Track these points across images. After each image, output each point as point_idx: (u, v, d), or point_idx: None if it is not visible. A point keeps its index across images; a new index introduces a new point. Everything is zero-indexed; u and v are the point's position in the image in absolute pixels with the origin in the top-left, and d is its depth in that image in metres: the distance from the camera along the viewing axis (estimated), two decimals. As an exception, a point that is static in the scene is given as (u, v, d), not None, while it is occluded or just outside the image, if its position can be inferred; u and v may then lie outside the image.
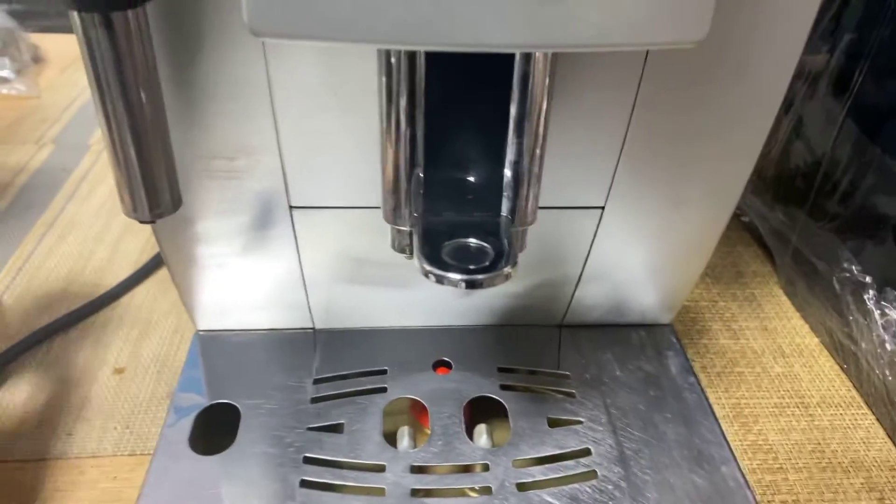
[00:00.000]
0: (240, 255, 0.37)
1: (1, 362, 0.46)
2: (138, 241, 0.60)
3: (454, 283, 0.26)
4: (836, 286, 0.49)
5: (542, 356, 0.43)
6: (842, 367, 0.50)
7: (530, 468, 0.36)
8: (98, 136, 0.74)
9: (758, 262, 0.60)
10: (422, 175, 0.29)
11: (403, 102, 0.26)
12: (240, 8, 0.20)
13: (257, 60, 0.29)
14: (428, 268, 0.26)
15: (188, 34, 0.28)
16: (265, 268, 0.38)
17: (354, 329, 0.44)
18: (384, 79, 0.26)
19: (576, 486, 0.35)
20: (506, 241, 0.27)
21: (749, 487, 0.36)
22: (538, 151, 0.28)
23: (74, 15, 0.24)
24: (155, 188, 0.28)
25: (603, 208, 0.36)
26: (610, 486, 0.35)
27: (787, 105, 0.56)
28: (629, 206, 0.36)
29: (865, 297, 0.47)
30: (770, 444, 0.44)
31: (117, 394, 0.46)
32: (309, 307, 0.42)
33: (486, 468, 0.36)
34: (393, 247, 0.31)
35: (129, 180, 0.27)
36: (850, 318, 0.48)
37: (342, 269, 0.39)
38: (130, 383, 0.47)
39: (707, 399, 0.41)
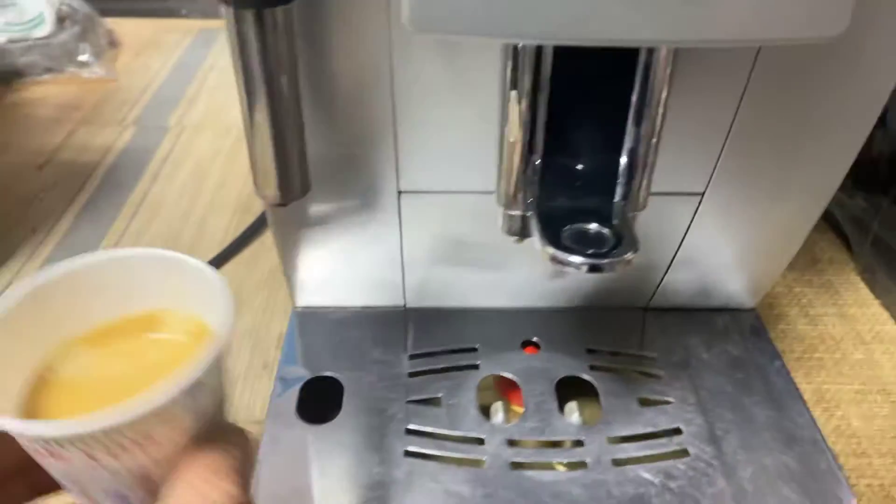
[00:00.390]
0: (345, 237, 0.39)
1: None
2: (222, 221, 0.62)
3: (577, 267, 0.27)
4: (921, 274, 0.49)
5: (629, 338, 0.44)
6: (924, 355, 0.50)
7: (624, 444, 0.38)
8: (176, 118, 0.77)
9: (833, 248, 0.60)
10: (539, 162, 0.30)
11: (527, 91, 0.27)
12: (398, 5, 0.22)
13: (383, 54, 0.30)
14: (552, 251, 0.27)
15: (322, 28, 0.29)
16: (367, 249, 0.40)
17: (444, 308, 0.45)
18: (509, 70, 0.27)
19: (669, 462, 0.37)
20: (624, 227, 0.28)
21: (841, 469, 0.37)
22: (654, 140, 0.28)
23: (226, 9, 0.25)
24: (288, 175, 0.29)
25: (703, 195, 0.37)
26: (702, 465, 0.36)
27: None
28: (728, 194, 0.37)
29: (953, 285, 0.46)
30: (853, 430, 0.45)
31: (216, 366, 0.48)
32: (404, 287, 0.43)
33: (580, 444, 0.38)
34: (504, 230, 0.32)
35: (266, 166, 0.29)
36: (936, 306, 0.48)
37: (440, 251, 0.40)
38: (227, 356, 0.49)
39: (794, 382, 0.42)
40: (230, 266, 0.57)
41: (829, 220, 0.62)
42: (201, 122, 0.76)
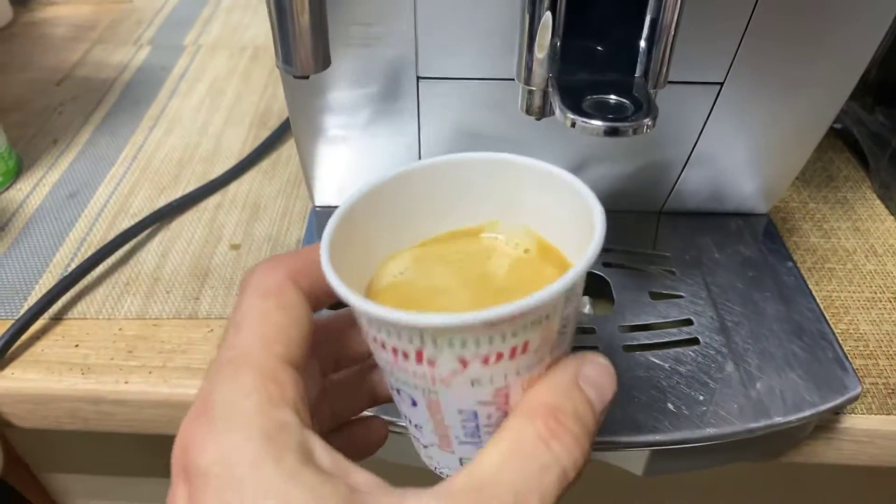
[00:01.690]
0: (363, 127, 0.39)
1: (128, 235, 0.50)
2: (239, 134, 0.62)
3: (596, 131, 0.27)
4: (938, 185, 0.49)
5: (643, 239, 0.44)
6: (937, 267, 0.50)
7: (635, 333, 0.38)
8: (192, 38, 0.77)
9: (850, 167, 0.60)
10: (559, 36, 0.30)
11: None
12: None
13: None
14: (571, 116, 0.28)
15: None
16: (386, 140, 0.40)
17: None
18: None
19: (679, 350, 0.37)
20: (645, 97, 0.28)
21: (848, 359, 0.37)
22: (678, 5, 0.28)
23: None
24: (309, 45, 0.29)
25: (722, 84, 0.37)
26: (712, 352, 0.37)
27: (895, 4, 0.55)
28: (748, 83, 0.36)
29: (970, 193, 0.46)
30: (861, 333, 0.45)
31: (235, 265, 0.49)
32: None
33: (592, 331, 0.39)
34: (522, 108, 0.32)
35: (287, 35, 0.29)
36: (951, 216, 0.48)
37: (460, 144, 0.40)
38: (247, 257, 0.50)
39: (806, 282, 0.42)
40: (248, 175, 0.58)
41: (846, 140, 0.62)
42: (217, 41, 0.76)
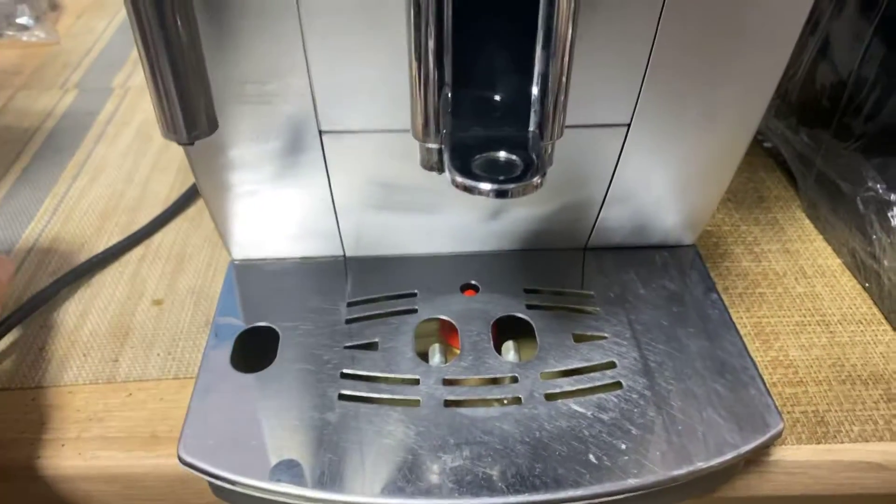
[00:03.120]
0: (272, 182, 0.38)
1: (45, 296, 0.48)
2: (166, 181, 0.61)
3: (484, 193, 0.27)
4: (860, 206, 0.50)
5: (567, 277, 0.44)
6: (863, 286, 0.50)
7: (557, 380, 0.38)
8: (120, 80, 0.75)
9: (780, 186, 0.60)
10: (450, 93, 0.29)
11: (432, 19, 0.27)
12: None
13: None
14: (459, 179, 0.27)
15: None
16: (297, 195, 0.39)
17: (384, 256, 0.45)
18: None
19: (602, 395, 0.37)
20: (534, 154, 0.28)
21: (770, 395, 0.37)
22: (566, 60, 0.28)
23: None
24: (191, 110, 0.28)
25: (629, 125, 0.36)
26: (635, 396, 0.37)
27: (813, 25, 0.55)
28: (655, 122, 0.36)
29: (889, 214, 0.47)
30: (791, 360, 0.45)
31: (158, 323, 0.48)
32: (340, 235, 0.43)
33: (514, 380, 0.38)
34: (422, 164, 0.32)
35: (167, 102, 0.28)
36: (874, 236, 0.48)
37: (372, 195, 0.39)
38: (169, 313, 0.49)
39: (730, 315, 0.42)
40: (174, 224, 0.56)
41: (776, 159, 0.63)
42: (145, 83, 0.74)
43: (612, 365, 0.39)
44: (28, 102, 0.72)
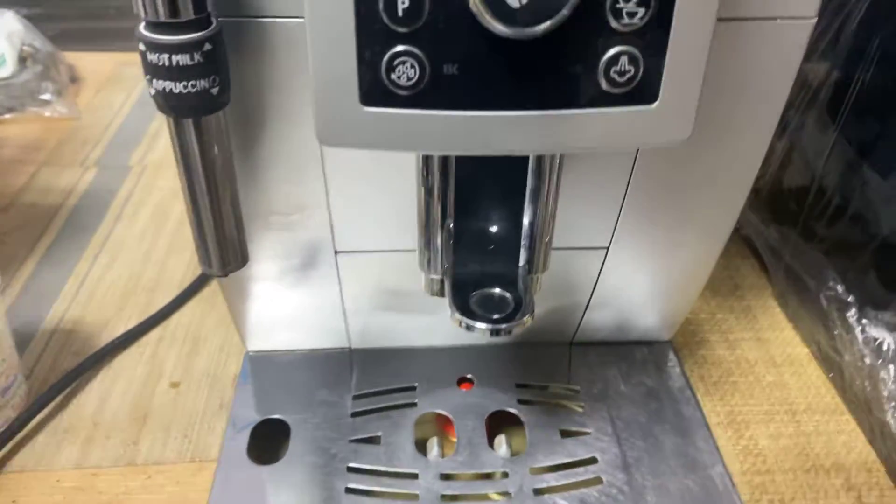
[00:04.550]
0: (289, 291, 0.43)
1: (68, 380, 0.52)
2: (182, 261, 0.65)
3: (481, 332, 0.31)
4: (823, 302, 0.54)
5: (555, 372, 0.48)
6: (827, 376, 0.55)
7: (545, 475, 0.42)
8: (138, 156, 0.80)
9: (754, 274, 0.65)
10: (451, 234, 0.34)
11: (437, 180, 0.31)
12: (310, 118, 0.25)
13: (312, 137, 0.34)
14: (459, 317, 0.31)
15: (256, 117, 0.33)
16: (311, 301, 0.44)
17: (387, 348, 0.49)
18: (420, 162, 0.31)
19: (584, 490, 0.41)
20: (524, 292, 0.32)
21: (736, 491, 0.41)
22: (549, 215, 0.32)
23: (166, 116, 0.29)
24: (227, 249, 0.33)
25: (608, 249, 0.41)
26: (614, 491, 0.41)
27: (782, 129, 0.61)
28: (632, 244, 0.41)
29: (848, 314, 0.51)
30: (759, 449, 0.49)
31: (175, 406, 0.51)
32: (347, 331, 0.47)
33: (505, 475, 0.42)
34: (425, 290, 0.36)
35: (206, 243, 0.32)
36: (836, 332, 0.53)
37: (379, 300, 0.44)
38: (186, 396, 0.52)
39: (702, 410, 0.46)
40: (190, 305, 0.60)
41: (750, 246, 0.67)
42: (162, 159, 0.79)
43: (593, 461, 0.42)
44: (50, 179, 0.76)
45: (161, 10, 0.26)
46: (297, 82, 0.32)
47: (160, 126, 0.85)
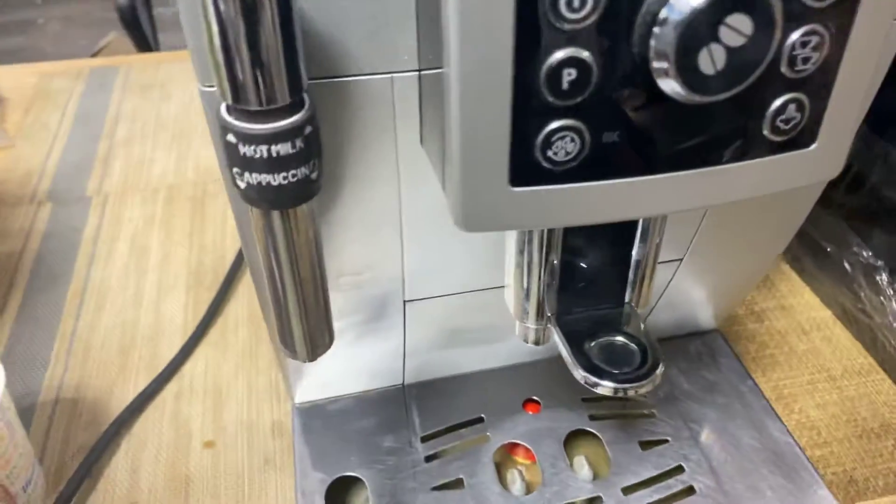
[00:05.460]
0: (350, 341, 0.39)
1: (92, 458, 0.47)
2: (178, 301, 0.60)
3: (608, 392, 0.29)
4: (847, 267, 0.55)
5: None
6: (856, 337, 0.56)
7: (638, 492, 0.41)
8: (94, 186, 0.72)
9: (762, 239, 0.66)
10: (554, 276, 0.31)
11: (544, 243, 0.29)
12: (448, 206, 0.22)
13: (389, 195, 0.30)
14: (583, 374, 0.29)
15: (331, 181, 0.29)
16: (371, 349, 0.41)
17: (441, 378, 0.47)
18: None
19: (680, 503, 0.40)
20: (648, 339, 0.30)
21: (820, 475, 0.42)
22: (656, 251, 0.31)
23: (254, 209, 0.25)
24: (315, 335, 0.29)
25: (681, 260, 0.40)
26: (710, 501, 0.40)
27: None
28: (704, 256, 0.40)
29: (878, 278, 0.53)
30: (812, 421, 0.50)
31: (215, 467, 0.48)
32: (403, 370, 0.44)
33: (600, 500, 0.41)
34: (521, 338, 0.34)
35: (293, 332, 0.29)
36: (862, 294, 0.54)
37: (441, 339, 0.41)
38: (225, 456, 0.48)
39: (765, 397, 0.46)
40: (200, 352, 0.56)
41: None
42: (124, 186, 0.72)
43: (680, 469, 0.42)
44: (1, 221, 0.68)
45: (257, 96, 0.22)
46: (377, 140, 0.28)
47: (109, 146, 0.78)
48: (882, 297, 0.52)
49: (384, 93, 0.27)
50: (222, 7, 0.20)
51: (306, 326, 0.29)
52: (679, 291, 0.43)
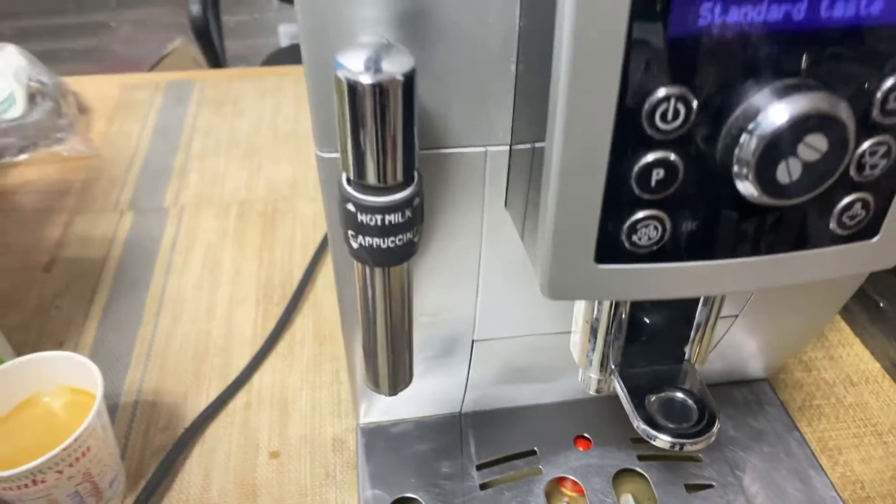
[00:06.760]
0: (420, 375, 0.42)
1: (171, 458, 0.51)
2: (248, 314, 0.64)
3: (667, 445, 0.31)
4: (899, 323, 0.56)
5: (666, 422, 0.49)
6: (905, 393, 0.57)
7: (684, 536, 0.43)
8: (171, 197, 0.77)
9: (814, 287, 0.67)
10: (622, 330, 0.34)
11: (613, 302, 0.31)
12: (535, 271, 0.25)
13: (470, 247, 0.33)
14: (643, 428, 0.32)
15: (425, 237, 0.32)
16: (437, 381, 0.43)
17: (496, 409, 0.49)
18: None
19: (724, 549, 0.42)
20: (706, 397, 0.33)
21: (863, 535, 0.43)
22: (717, 315, 0.33)
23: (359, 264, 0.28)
24: (398, 374, 0.32)
25: (737, 316, 0.42)
26: (752, 548, 0.42)
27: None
28: (759, 312, 0.42)
29: (930, 338, 0.53)
30: (856, 475, 0.51)
31: (280, 478, 0.51)
32: (462, 400, 0.47)
33: (646, 539, 0.43)
34: (586, 387, 0.36)
35: (378, 369, 0.32)
36: (913, 352, 0.55)
37: (503, 375, 0.44)
38: (289, 467, 0.52)
39: (810, 448, 0.48)
40: (268, 364, 0.59)
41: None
42: (198, 199, 0.77)
43: (725, 515, 0.44)
44: (86, 228, 0.73)
45: (377, 176, 0.25)
46: (467, 202, 0.31)
47: (185, 158, 0.82)
48: (933, 357, 0.53)
49: (478, 163, 0.30)
50: (358, 101, 0.23)
51: (391, 366, 0.32)
52: (732, 344, 0.45)
